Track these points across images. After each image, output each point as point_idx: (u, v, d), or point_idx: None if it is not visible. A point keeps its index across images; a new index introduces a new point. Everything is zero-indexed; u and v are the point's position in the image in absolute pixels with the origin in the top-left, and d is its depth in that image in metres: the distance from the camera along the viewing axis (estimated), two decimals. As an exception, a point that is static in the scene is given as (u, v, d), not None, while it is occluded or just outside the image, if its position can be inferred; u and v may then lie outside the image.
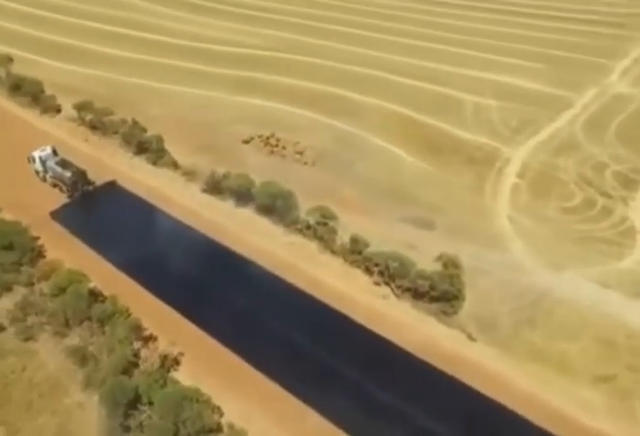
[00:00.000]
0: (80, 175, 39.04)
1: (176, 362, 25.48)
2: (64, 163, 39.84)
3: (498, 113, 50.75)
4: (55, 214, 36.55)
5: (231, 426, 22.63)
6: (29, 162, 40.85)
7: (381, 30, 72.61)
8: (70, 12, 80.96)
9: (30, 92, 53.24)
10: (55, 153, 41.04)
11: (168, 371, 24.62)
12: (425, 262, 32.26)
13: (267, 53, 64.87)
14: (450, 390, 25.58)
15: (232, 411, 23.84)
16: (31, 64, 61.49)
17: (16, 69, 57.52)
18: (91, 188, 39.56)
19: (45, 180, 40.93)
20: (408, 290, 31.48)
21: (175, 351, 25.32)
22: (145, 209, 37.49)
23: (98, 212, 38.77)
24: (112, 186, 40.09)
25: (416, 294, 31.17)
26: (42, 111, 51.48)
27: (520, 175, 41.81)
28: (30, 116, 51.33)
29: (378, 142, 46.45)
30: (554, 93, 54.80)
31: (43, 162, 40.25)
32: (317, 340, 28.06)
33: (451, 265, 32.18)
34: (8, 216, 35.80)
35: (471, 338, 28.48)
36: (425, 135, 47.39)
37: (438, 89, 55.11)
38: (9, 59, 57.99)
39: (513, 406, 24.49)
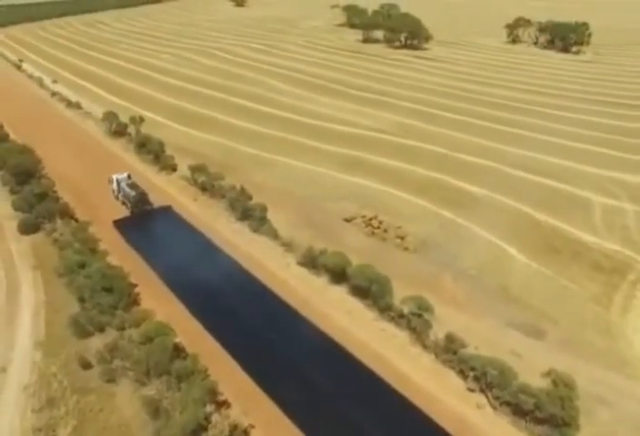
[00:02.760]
0: (142, 196, 49.36)
1: (246, 434, 25.89)
2: (132, 185, 50.34)
3: (635, 219, 49.23)
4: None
5: None
6: (109, 183, 52.26)
7: (499, 121, 75.77)
8: (200, 82, 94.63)
9: (153, 150, 61.55)
10: (129, 177, 52.14)
11: (236, 441, 25.06)
12: (531, 375, 30.68)
13: (377, 134, 69.92)
14: None
15: None
16: (159, 126, 71.62)
17: (145, 129, 67.32)
18: (149, 207, 49.57)
19: (117, 198, 51.45)
20: (507, 404, 29.90)
21: (245, 422, 25.84)
22: (240, 275, 40.27)
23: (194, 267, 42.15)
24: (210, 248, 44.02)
25: (517, 411, 29.43)
26: (160, 168, 58.97)
27: (658, 292, 39.50)
28: (149, 172, 59.05)
29: (487, 236, 46.66)
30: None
31: (118, 183, 51.11)
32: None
33: (562, 384, 30.22)
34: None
35: (581, 475, 26.06)
36: (541, 234, 46.83)
37: (560, 186, 55.13)
38: (141, 119, 68.17)
39: None
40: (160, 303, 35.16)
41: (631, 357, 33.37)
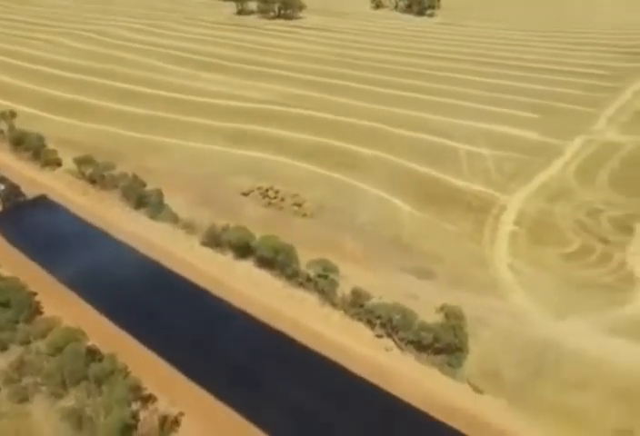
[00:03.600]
0: (13, 189, 47.06)
1: (177, 423, 24.83)
2: (1, 179, 47.85)
3: (492, 162, 52.35)
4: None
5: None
6: None
7: (379, 84, 76.15)
8: (74, 68, 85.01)
9: (32, 146, 54.80)
10: None
11: (168, 433, 23.94)
12: (427, 312, 32.24)
13: (266, 106, 67.60)
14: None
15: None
16: (36, 120, 63.69)
17: (20, 124, 59.50)
18: (22, 199, 46.71)
19: None
20: (411, 342, 31.27)
21: (175, 412, 24.73)
22: (145, 265, 37.71)
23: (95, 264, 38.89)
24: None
25: (420, 347, 30.93)
26: (43, 164, 52.85)
27: (517, 223, 42.49)
28: (29, 170, 52.65)
29: (377, 192, 47.43)
30: (544, 141, 56.71)
31: None
32: (319, 394, 27.51)
33: (453, 316, 32.05)
34: None
35: (477, 390, 28.04)
36: (423, 185, 48.42)
37: (436, 139, 56.96)
38: (12, 114, 60.01)
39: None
40: (65, 309, 32.10)
41: (500, 281, 36.00)
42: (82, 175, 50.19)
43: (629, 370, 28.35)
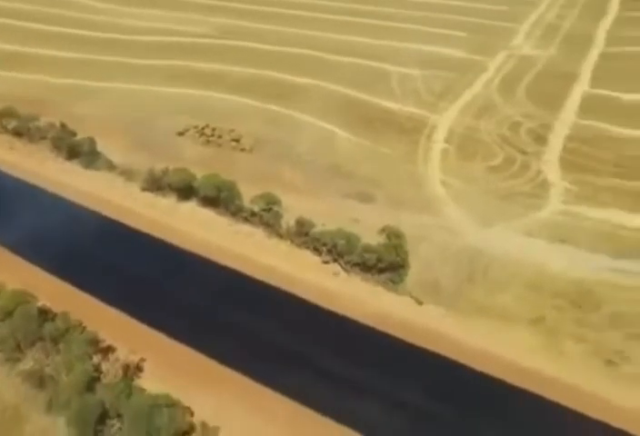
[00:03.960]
0: None
1: (139, 370, 24.29)
2: None
3: (422, 82, 50.38)
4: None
5: (204, 425, 21.95)
6: None
7: (313, 8, 70.12)
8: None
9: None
10: None
11: (132, 380, 23.44)
12: (370, 235, 32.08)
13: (199, 39, 61.22)
14: (406, 354, 25.81)
15: (203, 409, 23.09)
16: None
17: None
18: None
19: None
20: (357, 264, 31.32)
21: (136, 359, 24.09)
22: (85, 217, 34.96)
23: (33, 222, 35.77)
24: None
25: (365, 268, 31.02)
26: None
27: (447, 141, 41.93)
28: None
29: (313, 121, 45.13)
30: (471, 58, 54.91)
31: None
32: (274, 324, 27.33)
33: (394, 236, 32.15)
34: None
35: (419, 302, 28.85)
36: (357, 110, 46.39)
37: (367, 63, 53.93)
38: None
39: (465, 360, 25.17)
40: (9, 272, 29.55)
41: (434, 198, 35.99)
42: (4, 129, 44.74)
43: (544, 266, 29.68)
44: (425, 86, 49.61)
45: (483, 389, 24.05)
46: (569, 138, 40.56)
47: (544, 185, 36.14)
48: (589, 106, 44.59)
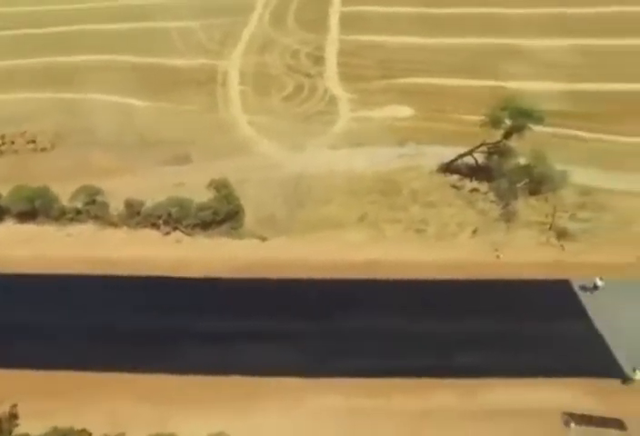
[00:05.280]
0: None
1: (15, 417, 17.58)
2: None
3: (200, 31, 41.30)
4: None
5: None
6: None
7: None
8: None
9: None
10: None
11: (10, 432, 16.87)
12: (199, 193, 26.47)
13: None
14: (265, 288, 22.35)
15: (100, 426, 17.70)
16: None
17: None
18: None
19: None
20: (196, 225, 26.01)
21: (6, 409, 17.22)
22: None
23: None
24: None
25: (205, 225, 25.95)
26: None
27: (242, 83, 35.60)
28: None
29: (108, 99, 35.07)
30: (237, 1, 46.13)
31: None
32: (129, 313, 21.89)
33: (222, 187, 26.99)
34: None
35: (263, 239, 25.08)
36: (149, 77, 36.87)
37: (142, 25, 42.39)
38: None
39: (314, 274, 22.49)
40: None
41: (246, 139, 30.62)
42: None
43: (352, 171, 27.38)
44: (207, 36, 40.94)
45: (331, 293, 21.97)
46: (340, 54, 36.72)
47: (332, 101, 32.70)
48: (348, 23, 40.55)
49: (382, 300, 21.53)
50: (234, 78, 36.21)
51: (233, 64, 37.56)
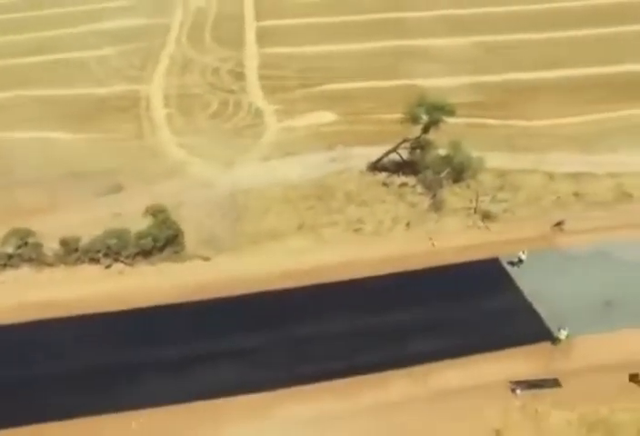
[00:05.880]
0: None
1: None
2: None
3: (117, 58, 40.20)
4: None
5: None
6: None
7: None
8: None
9: None
10: None
11: None
12: (136, 221, 25.48)
13: None
14: (215, 308, 21.72)
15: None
16: None
17: None
18: None
19: None
20: (137, 254, 25.08)
21: None
22: None
23: None
24: None
25: (146, 253, 24.95)
26: None
27: (166, 105, 34.69)
28: None
29: (27, 135, 32.80)
30: (153, 23, 45.30)
31: None
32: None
33: (158, 213, 26.11)
34: None
35: (206, 259, 24.57)
36: (70, 109, 34.98)
37: (59, 57, 40.33)
38: None
39: (264, 287, 22.45)
40: None
41: (177, 161, 29.82)
42: None
43: (287, 180, 27.51)
44: (125, 62, 39.70)
45: (282, 302, 21.76)
46: (260, 67, 36.97)
47: (258, 114, 32.52)
48: (264, 37, 41.11)
49: (331, 302, 21.35)
50: (158, 101, 35.05)
51: (155, 88, 36.42)
